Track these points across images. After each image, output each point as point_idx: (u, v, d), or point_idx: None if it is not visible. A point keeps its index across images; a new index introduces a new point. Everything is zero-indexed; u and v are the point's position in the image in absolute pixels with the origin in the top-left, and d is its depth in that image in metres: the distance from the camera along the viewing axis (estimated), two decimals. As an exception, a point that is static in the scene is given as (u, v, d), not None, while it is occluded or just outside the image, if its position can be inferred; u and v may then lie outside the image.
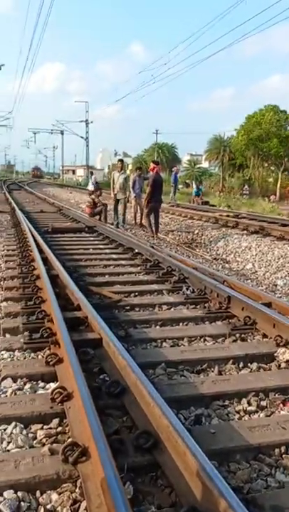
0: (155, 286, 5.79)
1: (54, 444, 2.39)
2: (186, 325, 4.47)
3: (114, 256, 7.91)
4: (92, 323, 3.87)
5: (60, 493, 2.07)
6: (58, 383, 3.00)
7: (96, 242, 9.53)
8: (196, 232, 12.09)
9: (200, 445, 2.15)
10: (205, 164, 67.61)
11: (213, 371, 3.46)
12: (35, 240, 8.01)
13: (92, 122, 52.83)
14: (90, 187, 22.83)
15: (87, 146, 52.89)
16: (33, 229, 9.60)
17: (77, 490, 2.07)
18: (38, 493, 2.08)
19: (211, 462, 2.04)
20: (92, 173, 25.26)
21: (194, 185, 24.50)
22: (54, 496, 2.06)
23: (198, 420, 2.78)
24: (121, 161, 14.16)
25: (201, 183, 25.55)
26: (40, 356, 3.52)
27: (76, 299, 4.50)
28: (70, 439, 2.35)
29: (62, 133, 62.42)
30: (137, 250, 7.95)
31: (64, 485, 2.11)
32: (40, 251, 7.02)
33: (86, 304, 4.27)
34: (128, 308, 4.89)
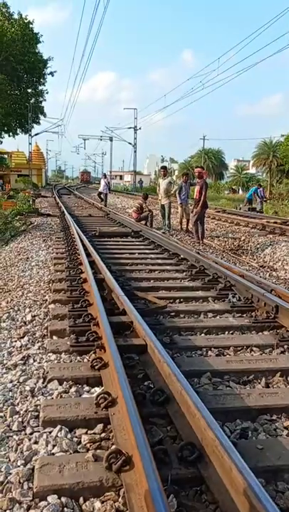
0: (200, 293, 5.69)
1: (98, 450, 2.36)
2: (232, 334, 4.34)
3: (159, 261, 7.88)
4: (138, 328, 3.84)
5: (103, 502, 2.03)
6: (102, 388, 2.98)
7: (142, 247, 9.53)
8: (242, 238, 11.83)
9: (246, 461, 2.05)
10: (252, 170, 66.41)
11: (260, 383, 3.32)
12: (83, 244, 8.12)
13: (140, 129, 53.34)
14: (101, 188, 22.93)
15: (135, 152, 53.36)
16: (81, 233, 9.75)
17: (120, 500, 2.03)
18: (81, 499, 2.06)
19: (258, 480, 1.94)
20: (104, 176, 25.27)
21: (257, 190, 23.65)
22: (97, 504, 2.02)
23: (245, 434, 2.67)
24: (164, 167, 14.44)
25: (261, 186, 24.66)
26: (85, 360, 3.53)
27: (122, 304, 4.49)
28: (113, 446, 2.31)
29: (111, 139, 63.22)
30: (182, 256, 7.87)
31: (107, 493, 2.07)
32: (88, 254, 7.10)
33: (131, 308, 4.25)
34: (173, 314, 4.83)
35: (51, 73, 43.92)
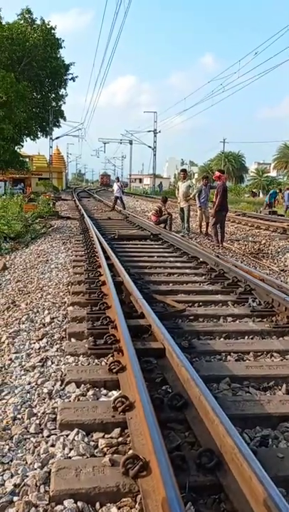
0: (220, 297, 5.63)
1: (115, 455, 2.34)
2: (252, 339, 4.27)
3: (178, 264, 7.84)
4: (156, 332, 3.81)
5: (119, 508, 2.00)
6: (120, 392, 2.96)
7: (160, 250, 9.50)
8: (262, 242, 11.69)
9: (267, 470, 1.99)
10: (273, 173, 65.69)
11: (280, 390, 3.25)
12: (102, 247, 8.14)
13: (159, 132, 53.14)
14: (116, 192, 22.69)
15: (155, 155, 53.45)
16: (100, 235, 9.78)
17: (136, 506, 2.00)
18: (97, 505, 2.04)
19: (278, 490, 1.88)
20: (118, 179, 25.10)
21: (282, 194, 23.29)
22: (114, 510, 2.00)
23: (265, 442, 2.61)
24: (183, 170, 14.41)
25: (281, 190, 24.27)
26: (103, 363, 3.52)
27: (140, 307, 4.47)
28: (131, 451, 2.28)
29: (130, 143, 63.50)
30: (201, 259, 7.82)
31: (124, 499, 2.04)
32: (107, 257, 7.11)
33: (150, 312, 4.22)
34: (192, 318, 4.79)
35: (72, 78, 44.40)
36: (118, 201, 22.58)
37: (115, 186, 23.29)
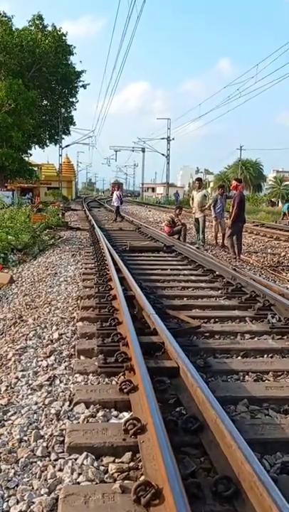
0: (237, 313, 5.60)
1: (126, 481, 2.32)
2: (272, 357, 4.22)
3: (193, 278, 7.82)
4: (169, 350, 3.79)
5: (130, 538, 1.98)
6: (131, 413, 2.95)
7: (174, 263, 9.50)
8: (282, 254, 11.61)
9: (288, 499, 1.95)
10: (293, 181, 65.44)
11: (302, 413, 3.20)
12: (113, 259, 8.16)
13: (173, 139, 53.66)
14: (115, 202, 22.78)
15: (168, 163, 53.79)
16: (110, 247, 9.82)
17: (149, 537, 1.97)
18: (107, 534, 2.01)
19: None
20: (118, 187, 25.18)
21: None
22: None
23: (286, 469, 2.56)
24: (198, 179, 14.54)
25: None
26: (114, 382, 3.51)
27: (153, 323, 4.46)
28: (142, 477, 2.26)
29: (143, 150, 63.92)
30: (217, 272, 7.79)
31: (135, 529, 2.02)
32: (118, 270, 7.13)
33: (163, 328, 4.21)
34: (207, 335, 4.77)
35: (84, 86, 45.03)
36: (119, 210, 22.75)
37: (114, 196, 23.33)
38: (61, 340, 4.64)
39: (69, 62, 42.72)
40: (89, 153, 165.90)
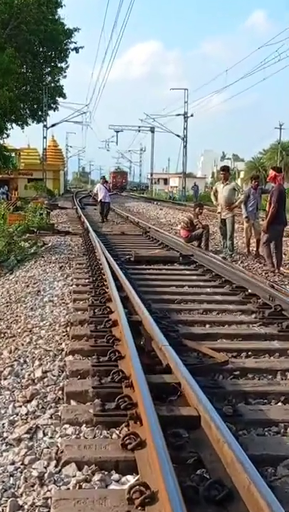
0: (277, 344, 5.60)
1: None
2: None
3: (218, 297, 7.82)
4: (188, 393, 3.78)
5: None
6: (137, 477, 2.94)
7: (194, 278, 9.51)
8: None
9: None
10: None
11: None
12: (113, 273, 8.19)
13: (192, 116, 53.73)
14: (102, 196, 23.12)
15: (185, 147, 53.92)
16: (110, 257, 9.85)
17: None
18: None
19: None
20: (105, 180, 25.86)
21: None
22: None
23: None
24: (225, 169, 14.23)
25: None
26: (114, 435, 3.50)
27: (165, 357, 4.46)
28: None
29: (152, 130, 64.42)
30: (250, 291, 7.80)
31: None
32: (119, 287, 7.15)
33: (179, 364, 4.21)
34: (238, 373, 4.77)
35: (76, 48, 45.48)
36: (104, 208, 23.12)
37: (101, 188, 23.67)
38: (45, 379, 4.64)
39: (56, 17, 43.17)
40: (82, 134, 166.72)
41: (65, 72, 47.01)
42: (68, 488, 2.96)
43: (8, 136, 43.70)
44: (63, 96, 48.82)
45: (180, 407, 3.69)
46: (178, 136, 54.22)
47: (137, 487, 2.70)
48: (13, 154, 49.21)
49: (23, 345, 5.80)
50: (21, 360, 5.24)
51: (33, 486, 3.02)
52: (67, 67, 46.90)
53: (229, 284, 8.53)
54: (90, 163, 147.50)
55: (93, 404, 3.88)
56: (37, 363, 5.10)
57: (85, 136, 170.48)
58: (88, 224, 18.07)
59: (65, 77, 47.93)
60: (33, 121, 48.67)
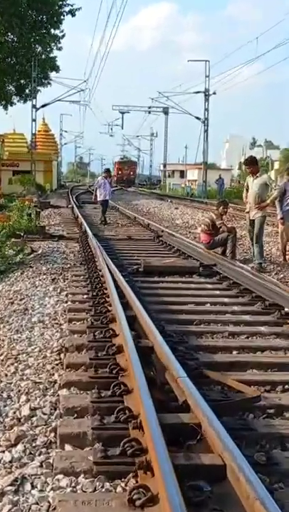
0: None
1: None
2: None
3: (247, 317, 7.81)
4: (210, 436, 3.76)
5: None
6: None
7: (217, 293, 9.51)
8: None
9: None
10: None
11: None
12: (118, 287, 8.20)
13: (214, 94, 53.83)
14: (103, 195, 23.39)
15: (206, 131, 53.96)
16: (114, 267, 9.85)
17: None
18: None
19: None
20: (108, 173, 25.97)
21: None
22: None
23: None
24: (250, 162, 13.81)
25: None
26: (119, 488, 3.49)
27: (182, 392, 4.44)
28: None
29: (166, 112, 64.61)
30: (287, 309, 7.77)
31: None
32: (125, 305, 7.17)
33: (199, 401, 4.18)
34: (272, 412, 4.76)
35: (71, 12, 45.61)
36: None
37: (103, 184, 23.80)
38: (34, 418, 4.63)
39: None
40: (80, 116, 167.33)
41: (59, 42, 47.21)
42: None
43: (-12, 118, 43.93)
44: (56, 69, 49.05)
45: (201, 454, 3.66)
46: (197, 118, 54.29)
47: None
48: (-5, 141, 49.36)
49: (6, 376, 5.79)
50: (4, 395, 5.22)
51: None
52: (63, 36, 47.12)
53: (261, 300, 8.51)
54: (89, 152, 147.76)
55: (93, 449, 3.86)
56: (24, 398, 5.08)
57: (83, 118, 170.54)
58: (87, 226, 18.09)
59: (59, 49, 48.15)
60: (19, 100, 49.00)
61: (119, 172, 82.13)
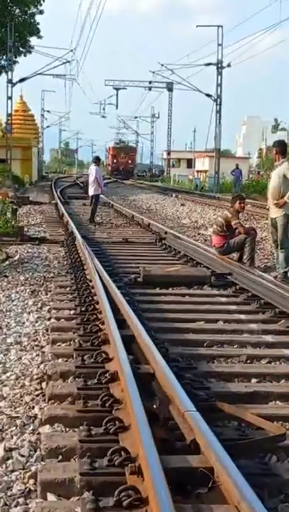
0: None
1: None
2: None
3: (269, 338, 7.81)
4: (225, 483, 3.74)
5: None
6: None
7: (232, 308, 9.51)
8: None
9: None
10: None
11: None
12: (112, 300, 8.19)
13: (228, 66, 53.80)
14: (93, 190, 23.75)
15: (219, 111, 53.97)
16: (107, 277, 9.85)
17: None
18: None
19: None
20: (97, 161, 26.32)
21: None
22: None
23: None
24: (280, 145, 13.69)
25: None
26: None
27: (190, 429, 4.42)
28: None
29: (170, 88, 64.66)
30: None
31: None
32: (121, 322, 7.16)
33: (212, 440, 4.16)
34: (300, 453, 4.73)
35: None
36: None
37: (96, 173, 24.05)
38: (10, 461, 4.62)
39: None
40: (65, 93, 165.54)
41: (40, 3, 47.35)
42: None
43: None
44: (38, 35, 49.14)
45: (213, 506, 3.66)
46: (208, 95, 54.33)
47: None
48: None
49: (-24, 409, 5.78)
50: (-26, 432, 5.21)
51: None
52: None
53: (286, 317, 8.52)
54: (76, 137, 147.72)
55: (81, 500, 3.85)
56: (-3, 436, 5.08)
57: (69, 96, 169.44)
58: (74, 227, 18.09)
59: (41, 12, 48.27)
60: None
61: (115, 160, 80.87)
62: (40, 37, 49.32)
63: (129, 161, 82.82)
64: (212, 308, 9.47)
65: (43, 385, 6.07)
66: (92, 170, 24.52)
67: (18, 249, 15.76)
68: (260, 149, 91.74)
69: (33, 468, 4.45)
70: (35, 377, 6.39)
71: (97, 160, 26.30)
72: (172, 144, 79.98)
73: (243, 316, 8.93)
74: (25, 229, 19.26)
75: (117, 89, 69.04)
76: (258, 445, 4.73)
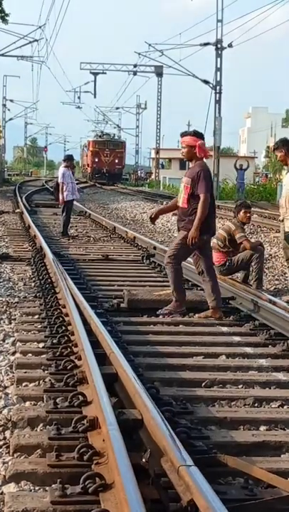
0: None
1: None
2: None
3: (280, 376, 7.84)
4: None
5: None
6: None
7: (236, 340, 9.54)
8: None
9: None
10: None
11: None
12: (89, 331, 8.20)
13: (230, 47, 53.87)
14: (71, 195, 23.80)
15: (218, 102, 54.06)
16: (84, 301, 9.85)
17: None
18: None
19: None
20: (69, 159, 26.31)
21: None
22: None
23: None
24: (283, 143, 13.53)
25: None
26: None
27: (187, 487, 4.41)
28: None
29: (159, 74, 64.80)
30: None
31: None
32: (100, 357, 7.18)
33: (212, 501, 4.15)
34: None
35: None
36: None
37: (68, 176, 24.16)
38: None
39: None
40: (32, 79, 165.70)
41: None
42: None
43: None
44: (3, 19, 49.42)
45: None
46: (205, 82, 54.42)
47: None
48: None
49: None
50: None
51: None
52: None
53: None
54: (46, 132, 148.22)
55: None
56: None
57: (37, 82, 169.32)
58: (43, 241, 18.10)
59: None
60: None
61: (96, 159, 79.88)
62: (5, 20, 49.51)
63: (116, 161, 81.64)
64: (212, 340, 9.50)
65: (7, 434, 6.04)
66: (60, 173, 24.71)
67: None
68: (268, 147, 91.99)
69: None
70: (-3, 424, 6.39)
71: (68, 159, 25.86)
72: (162, 140, 79.99)
73: (249, 350, 8.95)
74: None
75: (95, 74, 69.02)
76: (268, 506, 4.74)
